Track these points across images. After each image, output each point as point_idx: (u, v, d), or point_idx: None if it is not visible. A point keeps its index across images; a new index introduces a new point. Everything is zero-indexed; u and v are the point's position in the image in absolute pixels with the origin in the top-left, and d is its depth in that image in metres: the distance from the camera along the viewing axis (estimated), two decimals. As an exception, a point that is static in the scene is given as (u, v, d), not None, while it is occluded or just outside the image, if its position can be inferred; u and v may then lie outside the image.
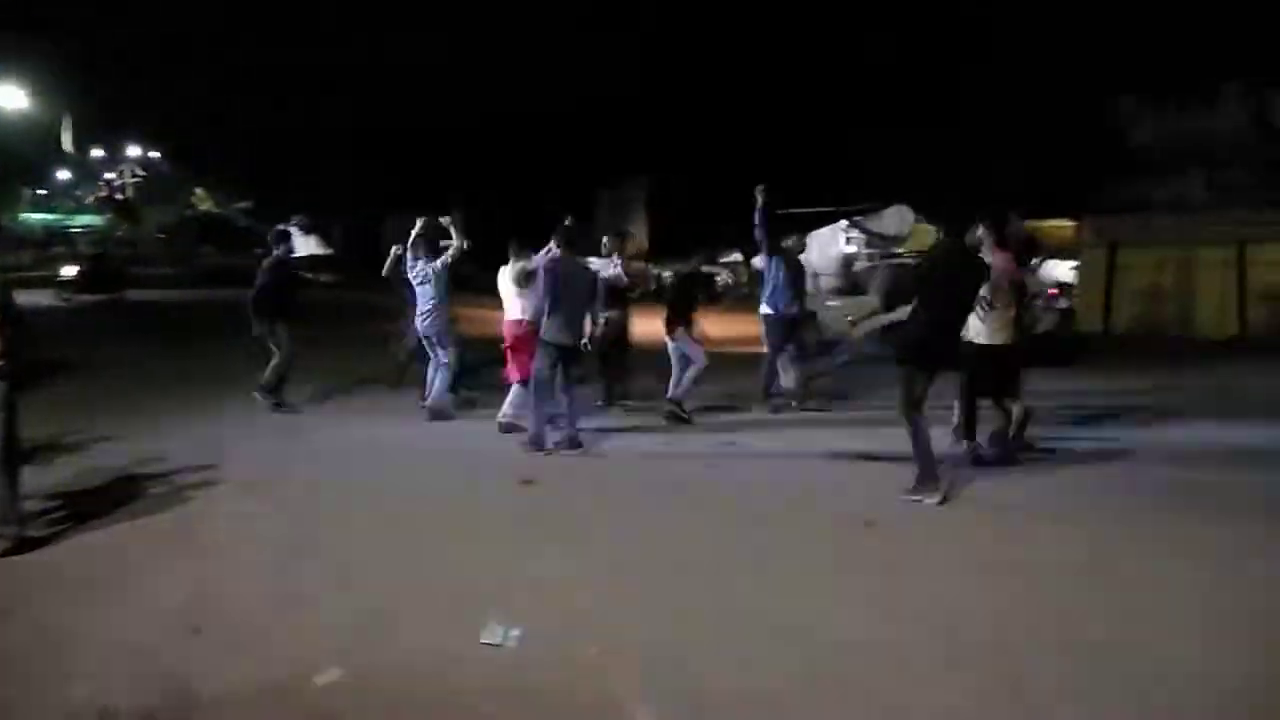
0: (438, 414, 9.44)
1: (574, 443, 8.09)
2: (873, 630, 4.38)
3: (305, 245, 12.11)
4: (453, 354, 9.49)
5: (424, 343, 9.60)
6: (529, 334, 8.69)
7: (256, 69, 47.69)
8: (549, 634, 4.28)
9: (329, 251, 10.40)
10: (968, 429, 7.50)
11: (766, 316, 10.02)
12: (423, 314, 9.46)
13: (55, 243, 51.05)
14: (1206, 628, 4.39)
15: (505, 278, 9.05)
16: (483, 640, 4.20)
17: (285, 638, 4.28)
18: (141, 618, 4.53)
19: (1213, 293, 18.50)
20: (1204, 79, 18.45)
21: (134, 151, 67.44)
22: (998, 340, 7.29)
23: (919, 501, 6.37)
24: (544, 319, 8.12)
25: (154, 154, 67.52)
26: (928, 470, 6.47)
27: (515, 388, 8.84)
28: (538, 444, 8.04)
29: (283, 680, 3.86)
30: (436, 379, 9.51)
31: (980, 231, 7.17)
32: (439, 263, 9.43)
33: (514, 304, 8.98)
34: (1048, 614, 4.56)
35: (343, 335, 15.81)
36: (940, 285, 6.66)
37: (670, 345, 9.57)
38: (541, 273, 8.28)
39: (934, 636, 4.29)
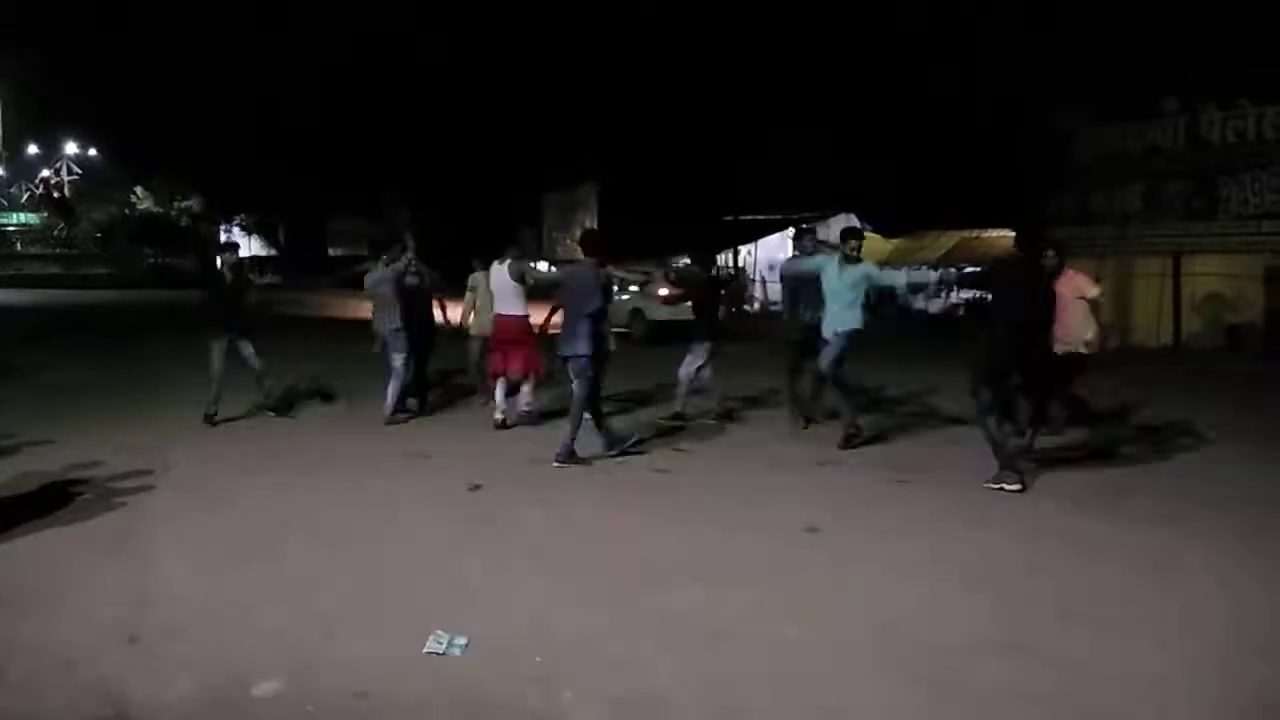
0: (391, 420, 9.40)
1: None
2: (816, 631, 4.41)
3: (247, 245, 11.95)
4: (400, 362, 9.41)
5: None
6: (526, 330, 9.00)
7: (198, 65, 46.77)
8: (494, 642, 4.25)
9: (272, 252, 10.25)
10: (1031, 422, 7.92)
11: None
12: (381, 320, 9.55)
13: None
14: (1143, 627, 4.49)
15: (500, 275, 9.16)
16: (427, 649, 4.15)
17: (223, 647, 4.20)
18: (76, 626, 4.41)
19: (1149, 302, 19.01)
20: (1143, 94, 18.93)
21: (71, 149, 65.80)
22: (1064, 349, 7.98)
23: (1000, 489, 6.85)
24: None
25: (91, 151, 65.93)
26: (1008, 462, 6.98)
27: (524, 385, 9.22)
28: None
29: (220, 691, 3.78)
30: (389, 387, 9.45)
31: (1052, 255, 7.89)
32: (390, 270, 9.46)
33: (511, 300, 9.05)
34: (984, 614, 4.63)
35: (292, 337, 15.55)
36: (1013, 296, 7.25)
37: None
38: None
39: (875, 639, 4.33)
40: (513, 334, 9.16)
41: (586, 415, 7.90)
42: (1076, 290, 8.02)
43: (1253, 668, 4.10)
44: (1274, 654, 4.24)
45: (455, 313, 10.49)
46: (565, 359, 7.87)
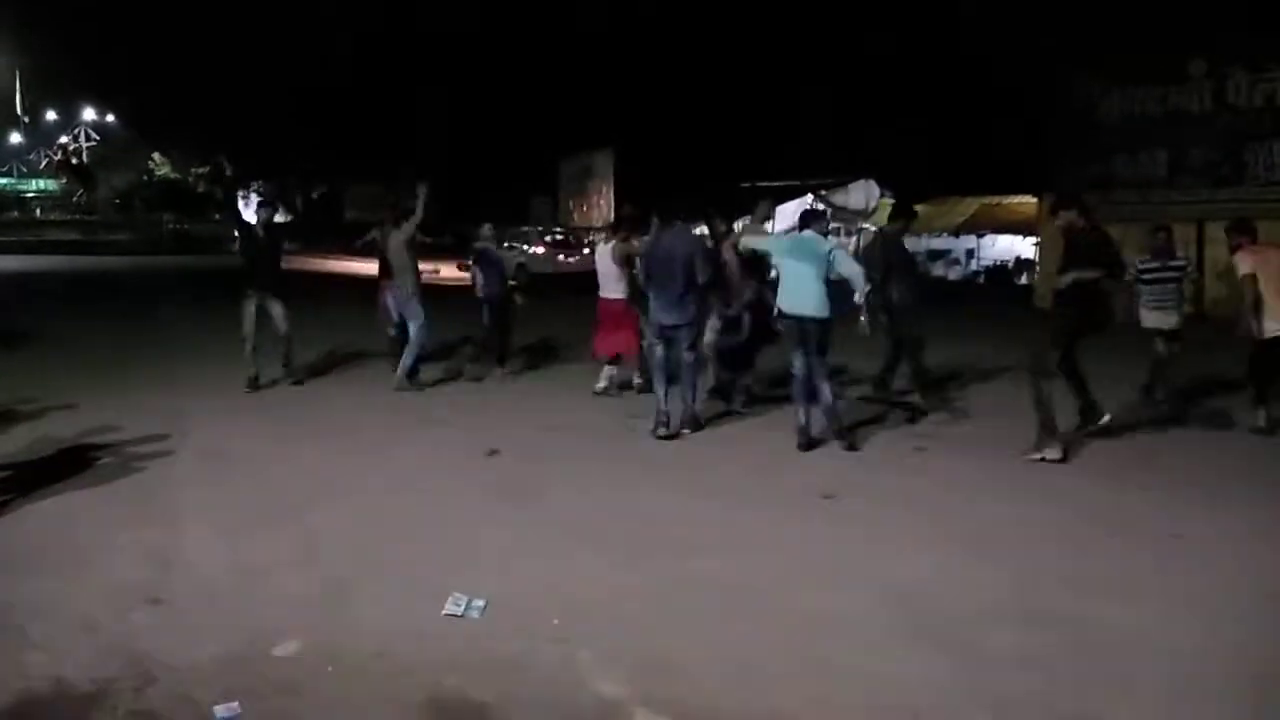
0: (402, 385, 9.40)
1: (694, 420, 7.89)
2: (832, 598, 4.42)
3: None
4: (418, 327, 9.42)
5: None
6: (626, 313, 9.06)
7: (216, 31, 46.69)
8: (512, 605, 4.27)
9: (289, 218, 10.26)
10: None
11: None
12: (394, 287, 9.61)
13: (9, 207, 49.96)
14: (1160, 596, 4.47)
15: (604, 258, 9.25)
16: (445, 612, 4.19)
17: (244, 609, 4.24)
18: (98, 588, 4.46)
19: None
20: (1170, 57, 18.62)
21: (89, 115, 65.89)
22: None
23: (1041, 459, 6.81)
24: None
25: (110, 117, 66.01)
26: (1050, 431, 6.91)
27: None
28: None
29: (241, 652, 3.82)
30: (404, 354, 9.48)
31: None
32: (401, 235, 9.46)
33: (613, 284, 9.13)
34: (1001, 582, 4.62)
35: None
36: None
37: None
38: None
39: (891, 607, 4.33)
40: (615, 317, 9.19)
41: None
42: None
43: (1267, 637, 4.08)
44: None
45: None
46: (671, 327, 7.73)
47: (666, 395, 7.65)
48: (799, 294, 7.24)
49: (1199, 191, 18.42)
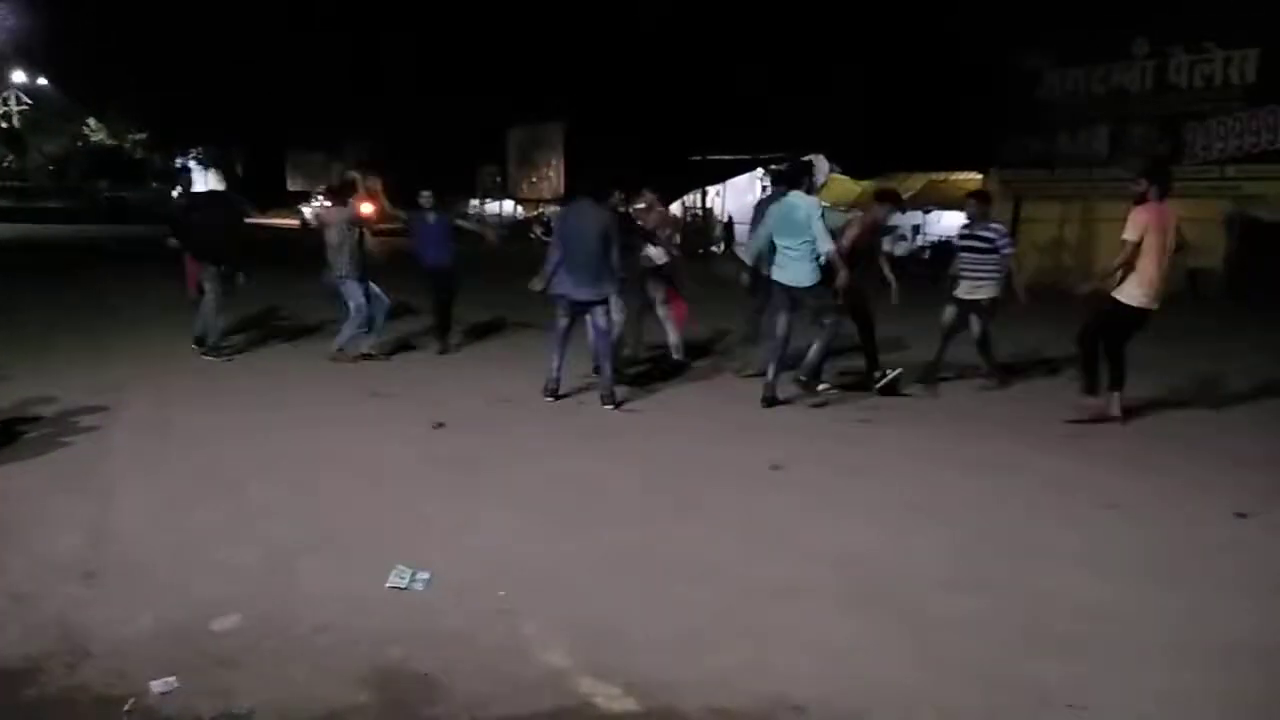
0: (338, 358, 9.26)
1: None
2: (780, 566, 4.44)
3: (206, 180, 11.72)
4: (355, 307, 9.24)
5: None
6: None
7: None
8: (457, 577, 4.24)
9: (226, 187, 10.08)
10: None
11: None
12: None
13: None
14: (1106, 563, 4.57)
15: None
16: (388, 584, 4.13)
17: (182, 583, 4.14)
18: (30, 562, 4.34)
19: (1112, 246, 19.12)
20: (1112, 36, 18.88)
21: (19, 78, 63.61)
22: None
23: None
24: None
25: (41, 81, 63.78)
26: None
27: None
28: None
29: (178, 626, 3.74)
30: (342, 326, 9.32)
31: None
32: (339, 214, 9.29)
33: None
34: (950, 551, 4.68)
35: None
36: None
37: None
38: None
39: (838, 574, 4.37)
40: None
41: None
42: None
43: (1210, 601, 4.19)
44: (1231, 588, 4.33)
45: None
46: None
47: (560, 363, 7.87)
48: (788, 269, 7.68)
49: (1140, 169, 18.77)
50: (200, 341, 9.41)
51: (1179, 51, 18.17)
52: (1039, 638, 3.81)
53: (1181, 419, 7.76)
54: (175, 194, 10.04)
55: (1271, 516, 5.31)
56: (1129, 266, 7.10)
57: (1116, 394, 7.37)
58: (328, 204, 10.43)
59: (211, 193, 10.07)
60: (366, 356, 9.38)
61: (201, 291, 9.53)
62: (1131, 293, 7.09)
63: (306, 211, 9.82)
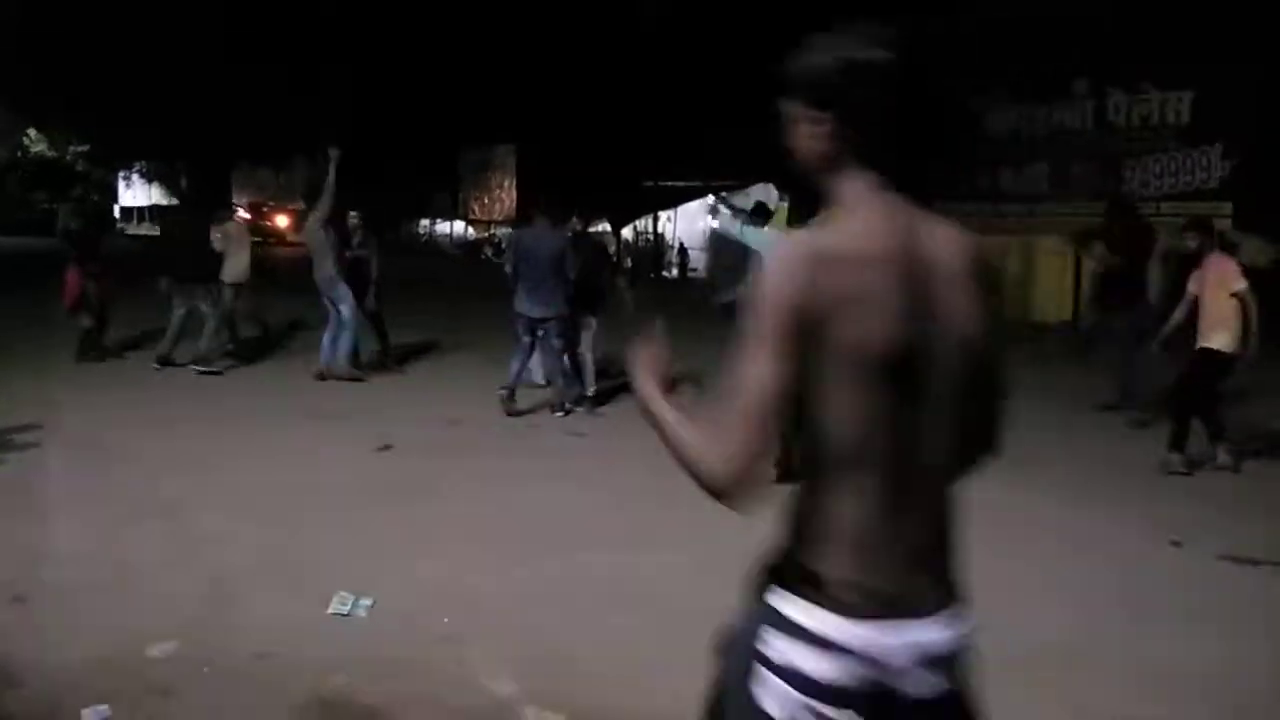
0: (338, 375, 9.17)
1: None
2: (729, 594, 4.42)
3: (147, 194, 11.57)
4: (348, 312, 9.16)
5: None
6: None
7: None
8: (401, 603, 4.18)
9: (173, 201, 9.98)
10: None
11: None
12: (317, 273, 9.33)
13: None
14: (1036, 585, 4.64)
15: None
16: (330, 611, 4.07)
17: (116, 608, 4.04)
18: (-45, 587, 4.20)
19: (1050, 279, 19.64)
20: (1055, 75, 19.43)
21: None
22: None
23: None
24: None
25: (-20, 90, 62.34)
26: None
27: None
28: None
29: (113, 653, 3.64)
30: (339, 340, 9.21)
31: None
32: (312, 220, 9.25)
33: None
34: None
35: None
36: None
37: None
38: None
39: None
40: None
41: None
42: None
43: (1118, 624, 4.28)
44: (1122, 601, 4.43)
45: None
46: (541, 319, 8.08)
47: (520, 372, 8.22)
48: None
49: (1080, 205, 19.28)
50: (165, 361, 9.30)
51: (1118, 92, 18.73)
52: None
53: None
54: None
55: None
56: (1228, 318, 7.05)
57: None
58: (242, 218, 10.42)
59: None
60: (322, 377, 9.25)
61: (79, 308, 9.63)
62: (1225, 340, 7.06)
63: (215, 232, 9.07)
